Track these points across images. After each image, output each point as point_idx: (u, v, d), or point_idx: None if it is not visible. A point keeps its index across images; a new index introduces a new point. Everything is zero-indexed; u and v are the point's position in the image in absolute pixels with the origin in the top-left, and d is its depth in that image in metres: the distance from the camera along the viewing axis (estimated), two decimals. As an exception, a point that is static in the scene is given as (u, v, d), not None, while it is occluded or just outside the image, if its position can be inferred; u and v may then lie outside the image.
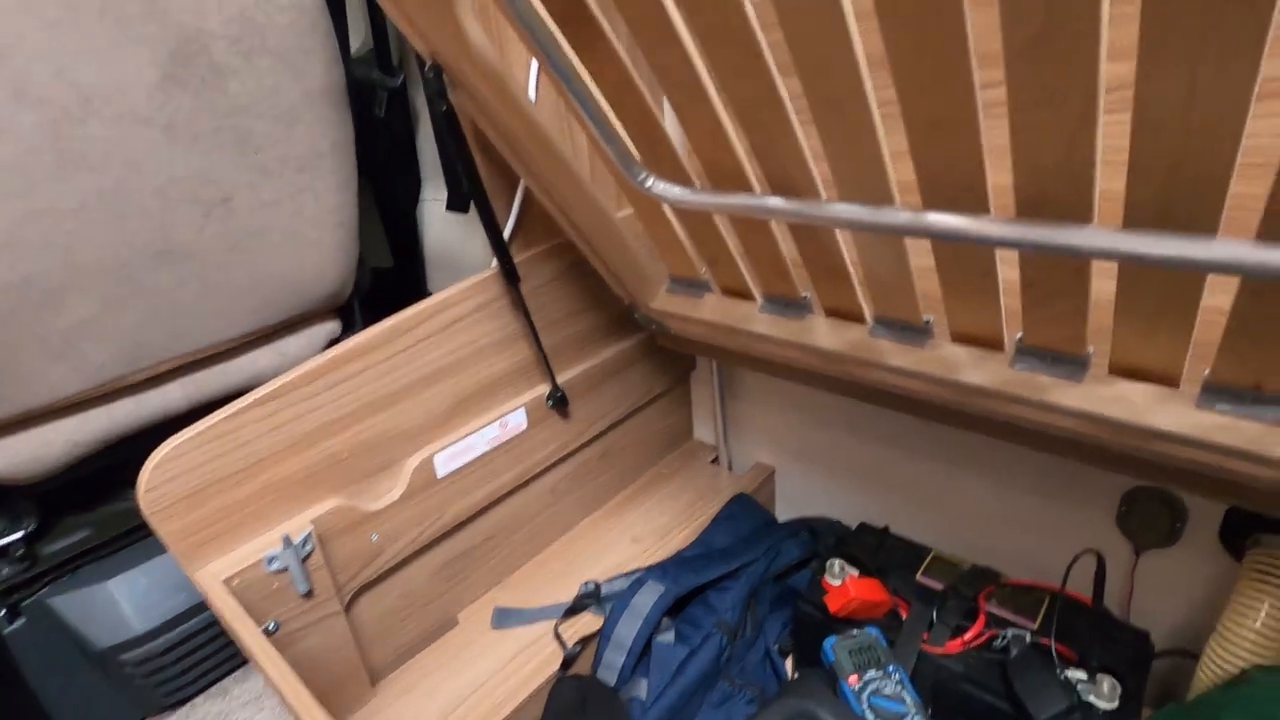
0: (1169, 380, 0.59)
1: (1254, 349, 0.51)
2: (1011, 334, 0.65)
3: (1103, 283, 0.54)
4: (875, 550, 0.88)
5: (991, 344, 0.67)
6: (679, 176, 0.66)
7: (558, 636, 0.85)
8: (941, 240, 0.53)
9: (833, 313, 0.78)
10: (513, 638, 0.87)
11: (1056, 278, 0.55)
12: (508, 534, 0.95)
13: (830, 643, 0.73)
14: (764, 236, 0.72)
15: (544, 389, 0.93)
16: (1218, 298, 0.50)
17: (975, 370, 0.68)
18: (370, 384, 0.74)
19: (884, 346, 0.73)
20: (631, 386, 1.06)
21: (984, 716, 0.70)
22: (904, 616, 0.77)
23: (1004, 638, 0.72)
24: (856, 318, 0.76)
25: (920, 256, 0.62)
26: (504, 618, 0.89)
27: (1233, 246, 0.39)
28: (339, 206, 0.86)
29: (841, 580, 0.81)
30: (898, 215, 0.50)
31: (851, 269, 0.70)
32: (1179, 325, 0.53)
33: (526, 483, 0.96)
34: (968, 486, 0.95)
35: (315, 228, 0.85)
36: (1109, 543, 0.83)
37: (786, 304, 0.81)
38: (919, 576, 0.84)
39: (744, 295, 0.85)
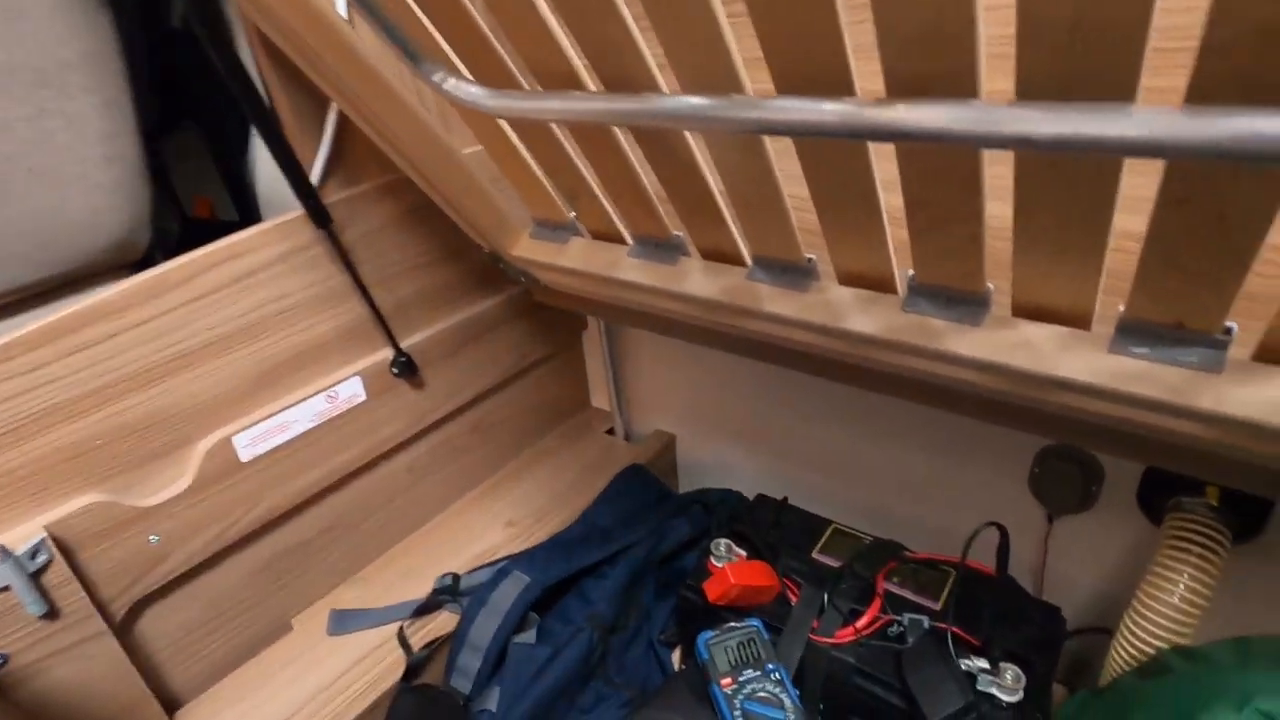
0: (1079, 320, 0.49)
1: (1175, 276, 0.41)
2: (905, 272, 0.55)
3: (1002, 207, 0.44)
4: (770, 525, 0.79)
5: (883, 285, 0.57)
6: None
7: (402, 641, 0.72)
8: (801, 136, 0.41)
9: (710, 254, 0.66)
10: (353, 644, 0.74)
11: (944, 193, 0.44)
12: (353, 524, 0.82)
13: (704, 639, 0.63)
14: (616, 159, 0.59)
15: (387, 354, 0.79)
16: (1133, 219, 0.40)
17: (864, 316, 0.57)
18: (130, 351, 0.59)
19: (763, 291, 0.62)
20: (505, 350, 0.93)
21: (879, 713, 0.61)
22: (793, 602, 0.68)
23: (900, 624, 0.63)
24: (735, 260, 0.64)
25: (796, 185, 0.51)
26: (342, 621, 0.76)
27: (1153, 116, 0.27)
28: (107, 136, 0.69)
29: (728, 562, 0.70)
30: (747, 107, 0.38)
31: (720, 200, 0.58)
32: (1088, 251, 0.43)
33: (374, 463, 0.82)
34: (872, 451, 0.86)
35: (76, 161, 0.68)
36: (1021, 508, 0.75)
37: (657, 245, 0.69)
38: (815, 553, 0.74)
39: (614, 238, 0.73)
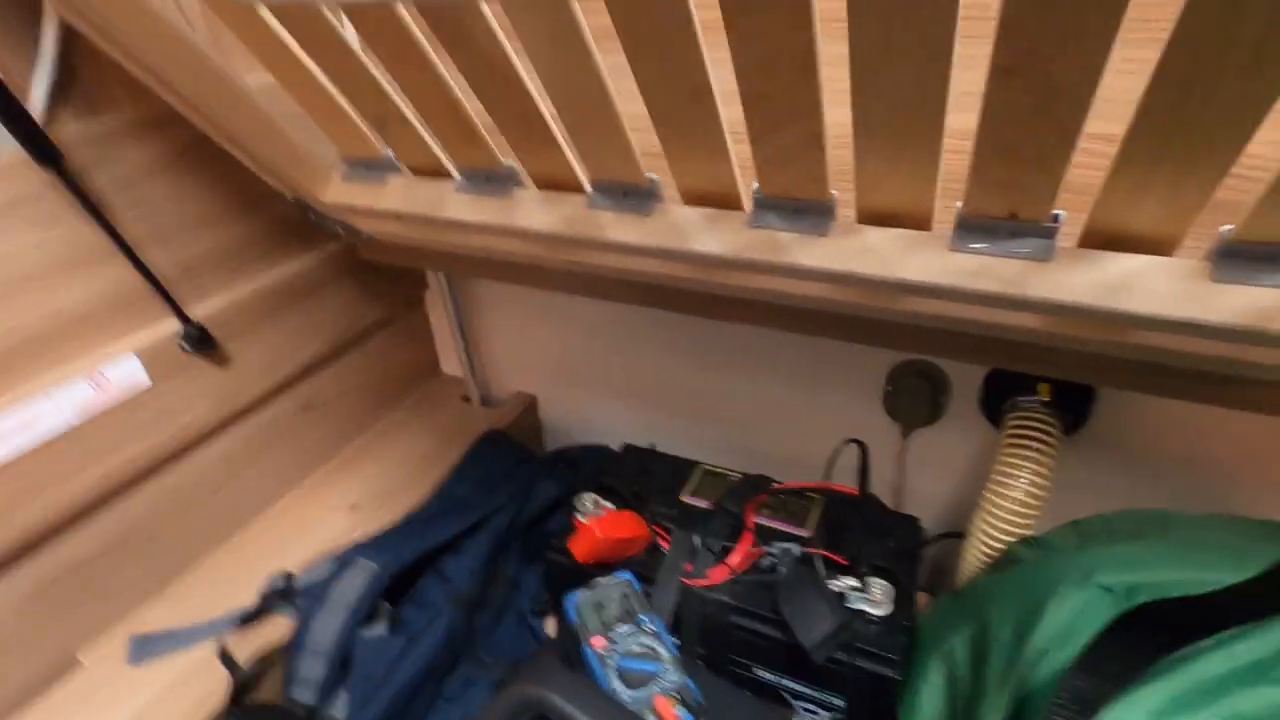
0: (921, 222, 0.48)
1: (1007, 163, 0.40)
2: (750, 186, 0.51)
3: (842, 113, 0.41)
4: (638, 474, 0.75)
5: (728, 202, 0.53)
6: None
7: (226, 658, 0.62)
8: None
9: (546, 183, 0.60)
10: (162, 672, 0.63)
11: (780, 82, 0.40)
12: (153, 532, 0.69)
13: (572, 601, 0.58)
14: (424, 73, 0.51)
15: (173, 327, 0.66)
16: (966, 117, 0.38)
17: (711, 236, 0.53)
18: None
19: (606, 219, 0.57)
20: (332, 316, 0.82)
21: (759, 649, 0.60)
22: (665, 549, 0.64)
23: (772, 555, 0.61)
24: (573, 187, 0.58)
25: (633, 103, 0.46)
26: (145, 647, 0.64)
27: None
28: None
29: (594, 516, 0.66)
30: None
31: (551, 121, 0.52)
32: (924, 142, 0.41)
33: (174, 458, 0.69)
34: (734, 386, 0.84)
35: None
36: (879, 427, 0.76)
37: (487, 178, 0.61)
38: (684, 496, 0.71)
39: (439, 173, 0.64)
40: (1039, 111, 0.36)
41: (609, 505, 0.68)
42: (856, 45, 0.36)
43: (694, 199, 0.54)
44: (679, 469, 0.76)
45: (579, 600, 0.58)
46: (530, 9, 0.41)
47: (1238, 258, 0.40)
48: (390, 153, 0.64)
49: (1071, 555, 0.50)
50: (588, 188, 0.57)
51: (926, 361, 0.70)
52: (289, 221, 0.75)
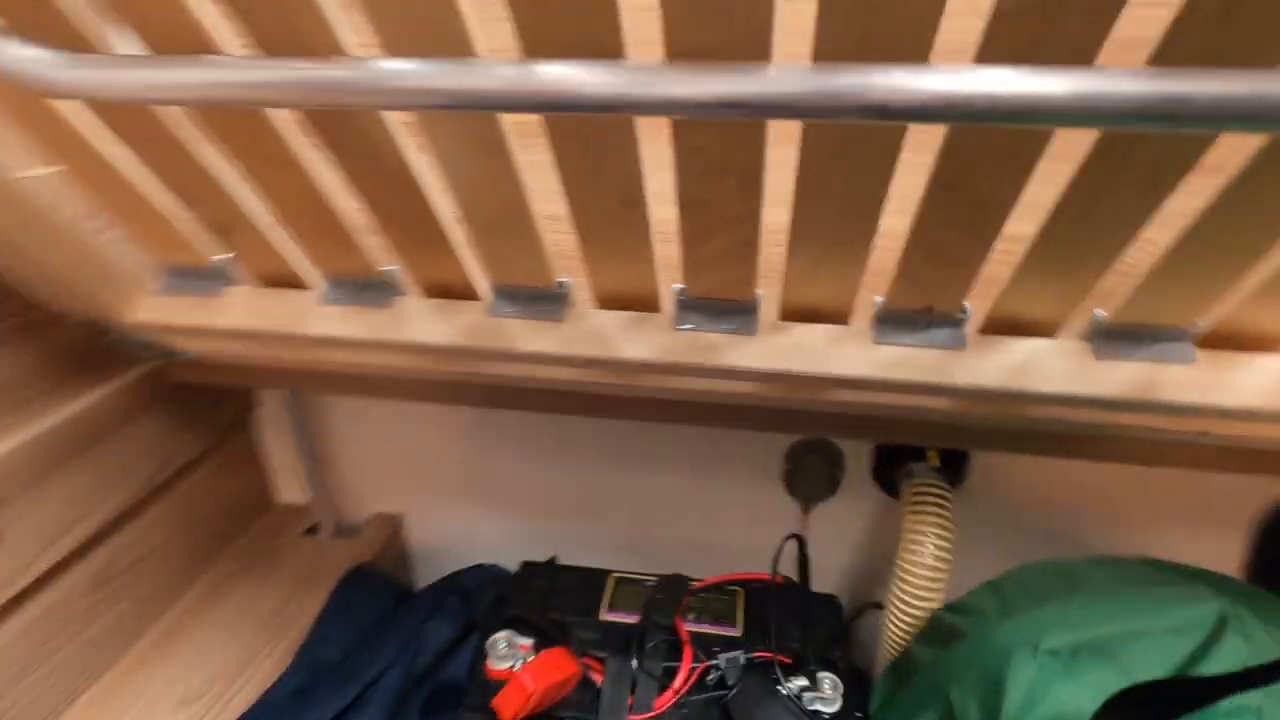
0: (842, 316, 0.49)
1: (932, 262, 0.42)
2: (668, 287, 0.49)
3: (776, 213, 0.41)
4: (545, 596, 0.68)
5: (646, 304, 0.51)
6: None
7: None
8: (554, 111, 0.31)
9: (434, 290, 0.53)
10: None
11: (723, 191, 0.39)
12: None
13: (512, 776, 0.49)
14: (292, 175, 0.43)
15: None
16: (894, 219, 0.40)
17: (634, 340, 0.50)
18: None
19: (513, 327, 0.51)
20: (132, 459, 0.65)
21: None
22: (599, 682, 0.58)
23: (717, 666, 0.58)
24: (465, 294, 0.52)
25: (543, 201, 0.42)
26: None
27: (787, 74, 0.25)
28: None
29: (514, 663, 0.57)
30: (486, 73, 0.28)
31: (452, 225, 0.46)
32: (857, 242, 0.42)
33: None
34: (629, 482, 0.81)
35: None
36: (779, 505, 0.77)
37: (361, 286, 0.53)
38: (604, 615, 0.65)
39: (291, 282, 0.55)
40: (969, 218, 0.39)
41: (524, 641, 0.60)
42: (807, 156, 0.36)
43: (609, 301, 0.51)
44: (589, 581, 0.70)
45: (519, 772, 0.49)
46: (468, 149, 0.37)
47: (1113, 338, 0.46)
48: (222, 259, 0.54)
49: (1003, 621, 0.52)
50: (487, 294, 0.52)
51: (822, 438, 0.73)
52: (73, 349, 0.60)
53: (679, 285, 0.48)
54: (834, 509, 0.75)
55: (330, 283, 0.54)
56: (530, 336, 0.51)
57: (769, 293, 0.48)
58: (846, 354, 0.48)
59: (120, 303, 0.55)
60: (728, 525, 0.77)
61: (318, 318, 0.54)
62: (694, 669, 0.58)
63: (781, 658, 0.59)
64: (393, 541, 0.85)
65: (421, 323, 0.53)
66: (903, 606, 0.63)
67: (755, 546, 0.73)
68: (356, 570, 0.75)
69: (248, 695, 0.62)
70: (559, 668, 0.55)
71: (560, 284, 0.50)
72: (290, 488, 0.87)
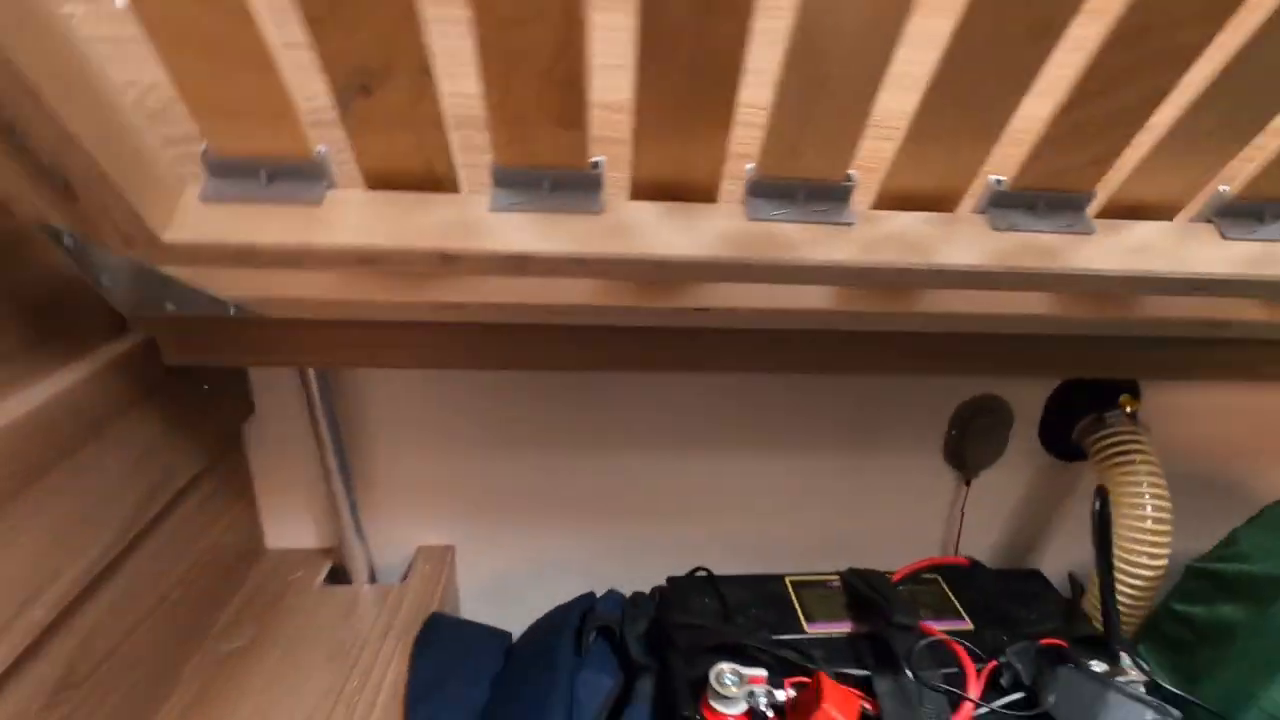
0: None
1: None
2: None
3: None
4: (725, 614, 0.52)
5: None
6: None
7: None
8: None
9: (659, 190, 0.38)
10: None
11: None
12: None
13: None
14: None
15: None
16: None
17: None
18: None
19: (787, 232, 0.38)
20: (110, 488, 0.42)
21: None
22: (871, 709, 0.44)
23: (1008, 665, 0.46)
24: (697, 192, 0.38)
25: None
26: None
27: None
28: None
29: (752, 703, 0.42)
30: None
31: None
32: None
33: None
34: (735, 466, 0.67)
35: None
36: (937, 472, 0.67)
37: (544, 183, 0.37)
38: (809, 627, 0.51)
39: (428, 181, 0.36)
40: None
41: (755, 673, 0.45)
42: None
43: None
44: (759, 591, 0.56)
45: None
46: None
47: None
48: (344, 142, 0.35)
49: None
50: (731, 192, 0.38)
51: (993, 395, 0.64)
52: (34, 308, 0.37)
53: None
54: (995, 477, 0.67)
55: (500, 180, 0.37)
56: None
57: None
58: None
59: (156, 210, 0.34)
60: (870, 509, 0.66)
61: (491, 227, 0.36)
62: (978, 670, 0.46)
63: (1059, 641, 0.48)
64: (443, 583, 0.64)
65: (658, 232, 0.37)
66: (1135, 569, 0.56)
67: (904, 528, 0.63)
68: (434, 621, 0.55)
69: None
70: (848, 700, 0.41)
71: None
72: (292, 525, 0.64)
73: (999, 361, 0.54)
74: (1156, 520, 0.56)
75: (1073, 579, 0.58)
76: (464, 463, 0.63)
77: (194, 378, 0.50)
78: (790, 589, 0.56)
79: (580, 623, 0.54)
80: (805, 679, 0.45)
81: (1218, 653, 0.48)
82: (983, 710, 0.44)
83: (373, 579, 0.63)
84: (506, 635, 0.57)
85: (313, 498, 0.62)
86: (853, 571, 0.56)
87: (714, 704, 0.44)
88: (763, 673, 0.45)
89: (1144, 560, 0.56)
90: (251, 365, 0.56)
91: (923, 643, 0.47)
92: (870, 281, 0.44)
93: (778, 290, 0.44)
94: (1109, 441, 0.60)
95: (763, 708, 0.44)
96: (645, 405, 0.62)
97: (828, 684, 0.41)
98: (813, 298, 0.45)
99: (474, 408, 0.61)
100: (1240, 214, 0.40)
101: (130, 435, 0.43)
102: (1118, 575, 0.56)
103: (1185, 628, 0.52)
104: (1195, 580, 0.53)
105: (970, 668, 0.46)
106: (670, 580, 0.57)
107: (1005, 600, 0.55)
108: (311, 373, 0.54)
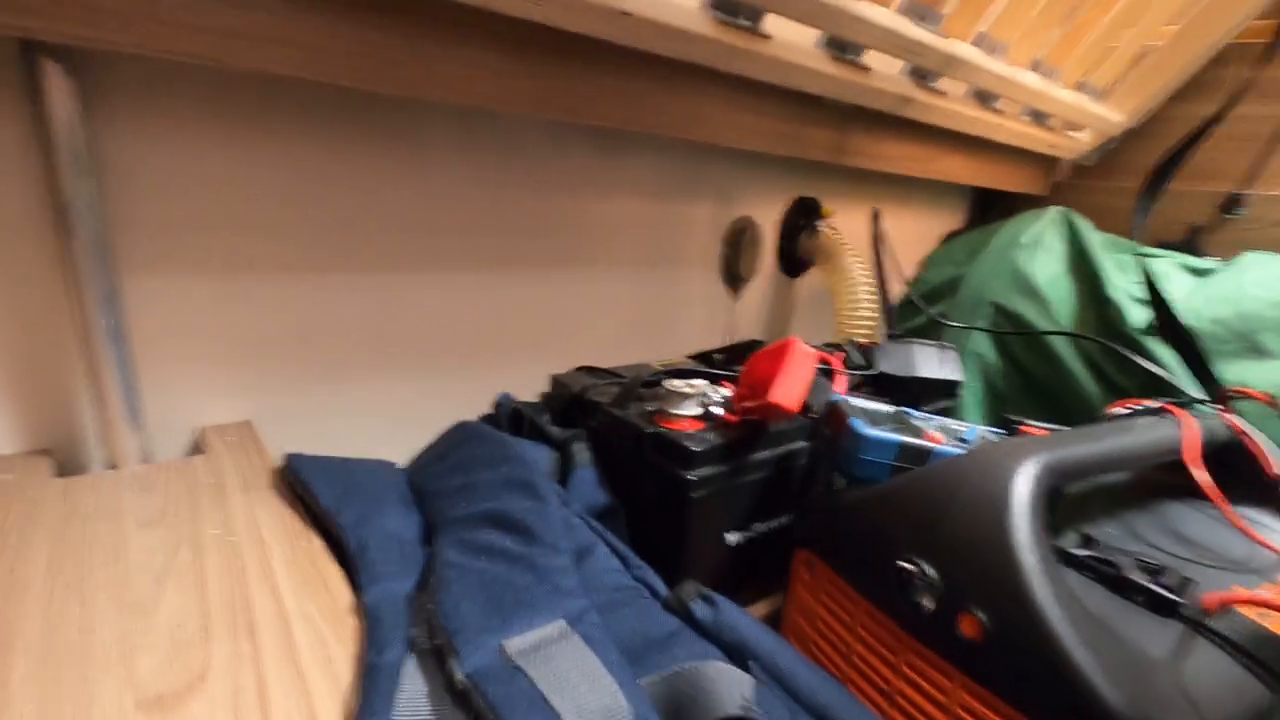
0: None
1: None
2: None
3: None
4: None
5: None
6: None
7: None
8: None
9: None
10: None
11: None
12: None
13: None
14: None
15: None
16: None
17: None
18: None
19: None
20: None
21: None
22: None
23: (848, 353, 0.58)
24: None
25: None
26: None
27: None
28: None
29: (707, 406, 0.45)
30: None
31: None
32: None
33: None
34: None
35: None
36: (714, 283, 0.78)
37: None
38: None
39: None
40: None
41: (695, 381, 0.47)
42: None
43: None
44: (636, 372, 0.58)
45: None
46: None
47: None
48: None
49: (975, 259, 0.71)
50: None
51: (749, 218, 0.78)
52: None
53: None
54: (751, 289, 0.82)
55: None
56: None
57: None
58: None
59: None
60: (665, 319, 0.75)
61: None
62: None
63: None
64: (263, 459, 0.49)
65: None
66: (859, 324, 0.75)
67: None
68: (295, 461, 0.42)
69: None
70: (791, 354, 0.46)
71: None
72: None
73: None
74: (867, 290, 0.77)
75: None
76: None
77: None
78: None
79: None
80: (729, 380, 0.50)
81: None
82: (854, 376, 0.55)
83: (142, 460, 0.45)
84: (391, 464, 0.47)
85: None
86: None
87: (671, 411, 0.45)
88: (702, 381, 0.48)
89: (864, 313, 0.75)
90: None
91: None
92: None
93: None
94: (821, 238, 0.79)
95: (713, 406, 0.46)
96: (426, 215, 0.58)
97: (794, 342, 0.45)
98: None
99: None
100: None
101: None
102: (850, 329, 0.75)
103: (913, 333, 0.73)
104: (908, 305, 0.75)
105: (835, 360, 0.56)
106: (555, 377, 0.55)
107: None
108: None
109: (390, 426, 0.59)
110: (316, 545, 0.36)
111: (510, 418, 0.51)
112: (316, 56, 0.40)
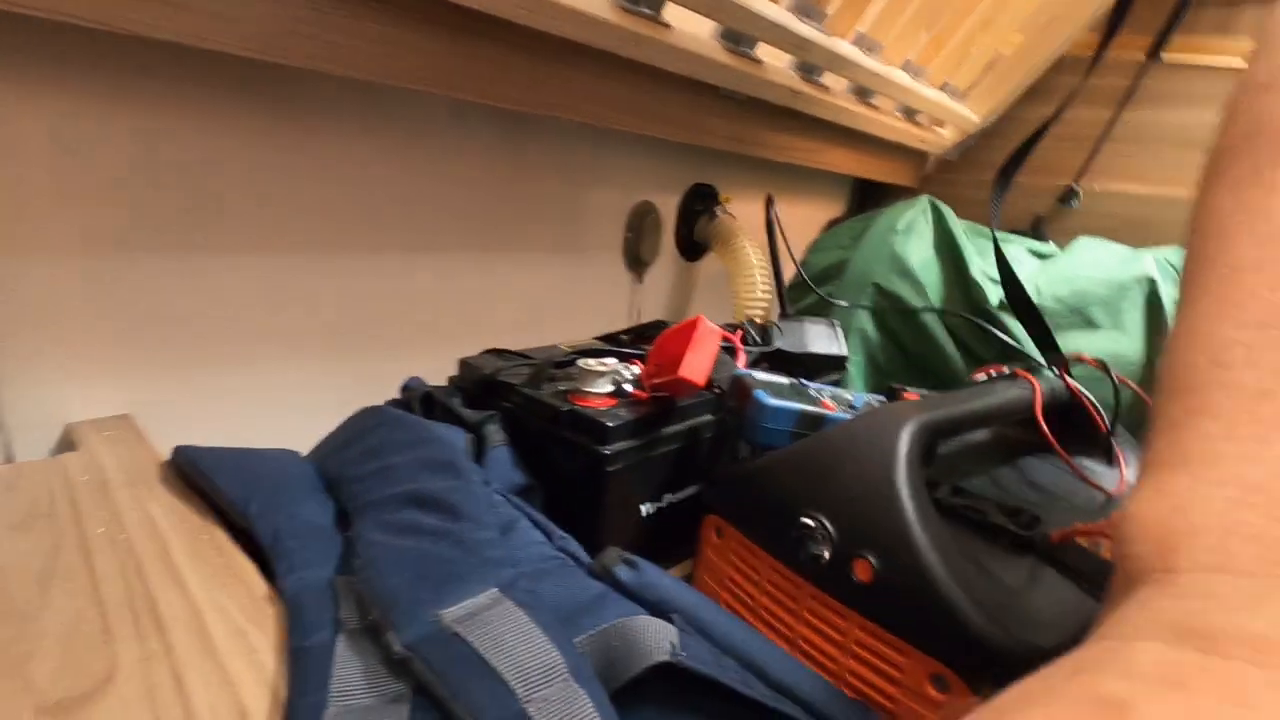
0: None
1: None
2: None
3: None
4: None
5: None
6: None
7: None
8: None
9: None
10: None
11: None
12: None
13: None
14: None
15: None
16: None
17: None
18: None
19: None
20: None
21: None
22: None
23: (746, 334, 0.61)
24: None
25: None
26: None
27: None
28: None
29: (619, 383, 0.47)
30: None
31: None
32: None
33: None
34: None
35: None
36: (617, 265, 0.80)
37: None
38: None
39: None
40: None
41: (607, 361, 0.49)
42: None
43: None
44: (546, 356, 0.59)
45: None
46: None
47: None
48: None
49: (859, 243, 0.76)
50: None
51: (650, 202, 0.80)
52: None
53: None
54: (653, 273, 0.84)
55: None
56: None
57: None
58: None
59: None
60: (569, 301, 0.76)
61: None
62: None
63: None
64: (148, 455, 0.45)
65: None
66: (755, 305, 0.79)
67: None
68: (186, 453, 0.40)
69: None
70: (693, 332, 0.48)
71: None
72: None
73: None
74: (762, 272, 0.81)
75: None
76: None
77: None
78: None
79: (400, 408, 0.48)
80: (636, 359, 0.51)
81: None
82: (753, 353, 0.58)
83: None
84: (294, 452, 0.45)
85: None
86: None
87: (585, 390, 0.46)
88: (613, 360, 0.49)
89: (760, 293, 0.80)
90: None
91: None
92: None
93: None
94: (719, 224, 0.83)
95: (625, 384, 0.48)
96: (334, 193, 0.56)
97: (700, 320, 0.48)
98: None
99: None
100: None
101: None
102: (747, 309, 0.79)
103: (804, 312, 0.77)
104: (799, 285, 0.80)
105: (735, 337, 0.59)
106: (464, 360, 0.54)
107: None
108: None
109: (286, 415, 0.57)
110: (221, 537, 0.35)
111: (422, 401, 0.50)
112: (213, 24, 0.37)
